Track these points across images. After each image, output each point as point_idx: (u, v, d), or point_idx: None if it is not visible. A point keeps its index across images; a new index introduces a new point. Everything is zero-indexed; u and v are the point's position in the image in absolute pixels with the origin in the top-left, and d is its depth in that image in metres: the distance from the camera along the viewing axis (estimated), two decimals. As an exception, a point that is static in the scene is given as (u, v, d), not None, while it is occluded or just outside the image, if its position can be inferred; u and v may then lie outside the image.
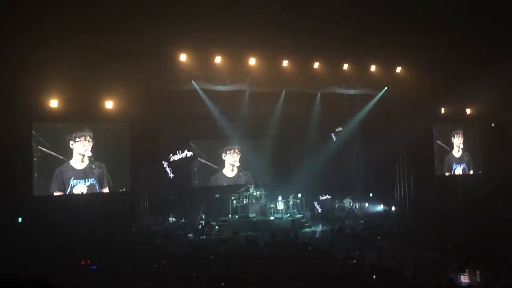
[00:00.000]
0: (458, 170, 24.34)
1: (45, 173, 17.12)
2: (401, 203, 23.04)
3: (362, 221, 20.57)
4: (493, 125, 24.85)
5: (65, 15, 15.19)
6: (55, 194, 17.17)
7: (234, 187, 21.73)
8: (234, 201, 20.25)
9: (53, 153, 17.17)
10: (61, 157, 17.33)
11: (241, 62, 18.96)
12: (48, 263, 11.68)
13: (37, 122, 17.10)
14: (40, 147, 17.00)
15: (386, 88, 21.89)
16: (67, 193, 17.33)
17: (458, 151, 24.45)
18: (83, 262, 12.66)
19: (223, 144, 22.72)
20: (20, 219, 16.25)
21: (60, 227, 15.51)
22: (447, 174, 24.04)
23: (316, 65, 19.90)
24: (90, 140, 17.79)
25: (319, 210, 22.73)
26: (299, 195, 21.27)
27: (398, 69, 21.34)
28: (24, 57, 15.07)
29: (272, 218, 19.58)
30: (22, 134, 16.64)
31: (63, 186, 17.31)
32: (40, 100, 16.62)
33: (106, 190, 18.06)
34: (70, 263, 12.30)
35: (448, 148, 24.19)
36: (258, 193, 20.43)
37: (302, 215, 20.28)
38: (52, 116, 16.96)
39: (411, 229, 18.01)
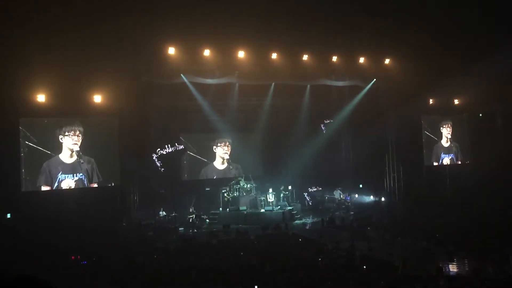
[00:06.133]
0: (446, 160, 24.56)
1: (32, 168, 16.98)
2: (390, 194, 23.21)
3: (352, 212, 20.70)
4: (480, 115, 25.09)
5: (52, 10, 14.97)
6: (43, 188, 17.05)
7: (225, 180, 21.72)
8: (225, 194, 20.27)
9: (40, 148, 17.02)
10: (49, 152, 17.20)
11: (230, 55, 18.85)
12: (38, 259, 11.65)
13: (24, 117, 16.94)
14: (27, 142, 16.86)
15: (374, 79, 21.93)
16: (54, 187, 17.23)
17: (447, 141, 24.65)
18: (73, 257, 12.63)
19: (213, 137, 22.71)
20: (8, 215, 16.14)
21: (49, 222, 15.41)
22: (435, 164, 24.25)
23: (305, 57, 19.85)
24: (80, 134, 17.70)
25: (310, 202, 22.81)
26: (290, 187, 21.35)
27: (387, 61, 21.38)
28: (10, 52, 14.87)
29: (262, 210, 19.64)
30: (9, 129, 16.46)
31: (51, 180, 17.19)
32: (27, 95, 16.46)
33: (95, 185, 17.97)
34: (60, 258, 12.26)
35: (436, 139, 24.38)
36: (248, 185, 20.45)
37: (292, 207, 20.34)
38: (40, 111, 16.79)
39: (401, 219, 18.17)
